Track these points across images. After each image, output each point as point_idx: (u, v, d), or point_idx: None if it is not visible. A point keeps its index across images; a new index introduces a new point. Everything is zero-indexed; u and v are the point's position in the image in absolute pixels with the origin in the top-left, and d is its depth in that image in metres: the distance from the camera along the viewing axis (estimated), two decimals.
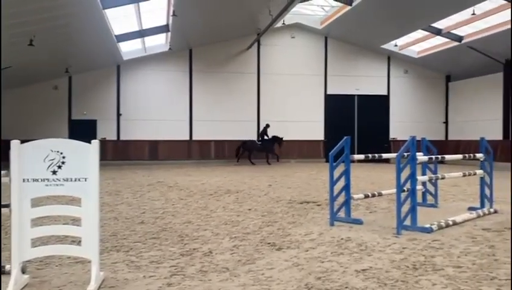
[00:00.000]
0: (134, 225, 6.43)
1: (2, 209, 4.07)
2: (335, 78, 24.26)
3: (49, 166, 3.74)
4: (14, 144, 3.71)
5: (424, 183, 7.98)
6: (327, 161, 15.02)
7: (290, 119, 23.00)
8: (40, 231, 4.06)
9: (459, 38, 20.72)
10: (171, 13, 16.38)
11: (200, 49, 22.87)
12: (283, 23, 21.64)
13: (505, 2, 16.45)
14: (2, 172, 4.08)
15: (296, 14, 22.05)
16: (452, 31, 20.47)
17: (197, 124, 23.01)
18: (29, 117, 20.91)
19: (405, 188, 6.12)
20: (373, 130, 24.25)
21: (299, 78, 23.90)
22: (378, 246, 5.10)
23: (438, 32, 20.77)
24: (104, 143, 21.28)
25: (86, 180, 3.77)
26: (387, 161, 20.18)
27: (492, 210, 7.27)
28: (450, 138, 25.04)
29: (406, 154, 6.07)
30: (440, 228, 5.99)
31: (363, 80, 24.45)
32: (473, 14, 17.34)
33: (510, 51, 19.03)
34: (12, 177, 3.71)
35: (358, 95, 24.43)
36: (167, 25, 19.18)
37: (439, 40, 21.76)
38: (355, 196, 6.77)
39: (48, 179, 3.74)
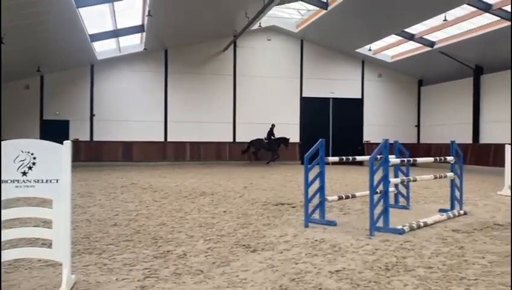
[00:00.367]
0: (107, 227, 6.33)
1: None
2: (310, 81, 24.51)
3: (19, 167, 3.66)
4: None
5: (396, 186, 8.14)
6: (303, 163, 15.16)
7: (265, 122, 23.03)
8: (10, 234, 3.95)
9: (431, 44, 21.19)
10: (146, 13, 16.25)
11: (175, 50, 22.75)
12: (259, 26, 21.71)
13: (475, 9, 16.92)
14: None
15: (273, 17, 22.17)
16: (425, 36, 20.92)
17: (172, 125, 22.85)
18: None
19: (378, 190, 6.21)
20: (347, 133, 24.57)
21: (275, 81, 24.03)
22: (352, 247, 5.16)
23: (411, 37, 21.20)
24: (76, 144, 20.91)
25: (57, 182, 3.70)
26: (361, 163, 20.44)
27: (462, 212, 7.44)
28: (421, 141, 25.57)
29: (379, 156, 6.16)
30: (412, 229, 6.11)
31: (337, 83, 24.76)
32: (445, 20, 17.76)
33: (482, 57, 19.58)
34: None
35: (333, 98, 24.70)
36: (142, 25, 19.00)
37: (412, 45, 22.22)
38: (329, 198, 6.83)
39: (18, 180, 3.66)
